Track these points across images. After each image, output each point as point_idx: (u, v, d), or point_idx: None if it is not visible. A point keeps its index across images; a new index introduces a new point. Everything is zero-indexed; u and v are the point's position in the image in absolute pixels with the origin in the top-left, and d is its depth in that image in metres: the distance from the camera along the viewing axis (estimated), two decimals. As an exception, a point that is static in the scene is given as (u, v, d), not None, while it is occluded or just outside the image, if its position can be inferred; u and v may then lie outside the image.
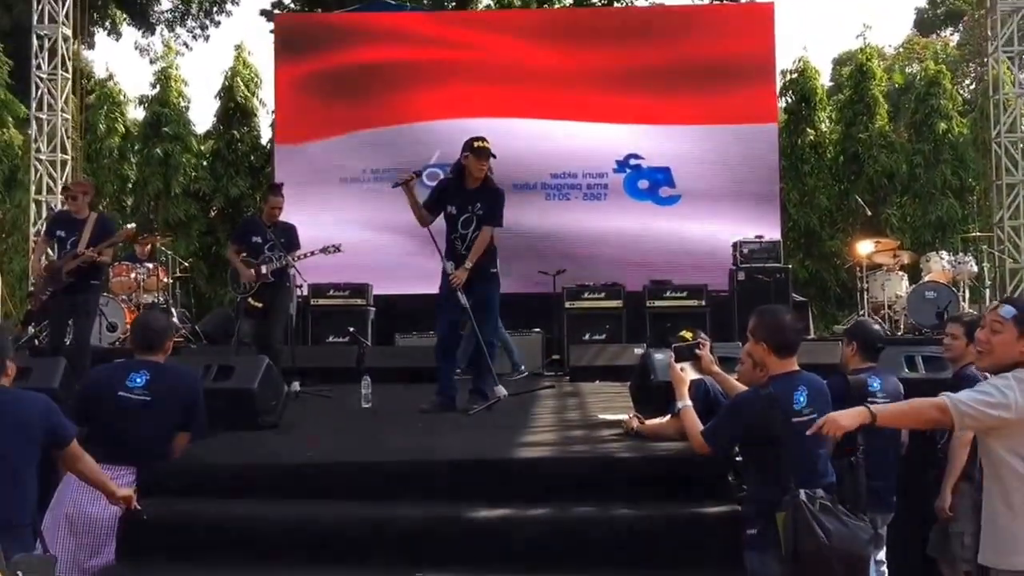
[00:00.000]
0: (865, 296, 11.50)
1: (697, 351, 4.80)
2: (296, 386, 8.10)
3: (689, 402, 4.49)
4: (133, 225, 8.98)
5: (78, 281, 7.96)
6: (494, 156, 7.03)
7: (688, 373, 4.70)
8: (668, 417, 5.33)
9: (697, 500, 4.68)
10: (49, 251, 8.35)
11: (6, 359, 4.06)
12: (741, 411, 4.12)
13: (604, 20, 15.06)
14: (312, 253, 8.64)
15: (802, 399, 4.03)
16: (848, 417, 3.51)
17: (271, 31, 13.81)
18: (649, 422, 5.46)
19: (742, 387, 4.54)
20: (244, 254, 8.56)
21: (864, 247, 11.73)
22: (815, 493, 3.88)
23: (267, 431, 6.05)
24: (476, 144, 6.96)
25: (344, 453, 5.54)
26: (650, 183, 13.22)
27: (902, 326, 11.19)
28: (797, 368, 4.15)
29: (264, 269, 8.39)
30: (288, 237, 8.61)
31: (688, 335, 5.13)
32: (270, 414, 6.16)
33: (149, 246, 11.88)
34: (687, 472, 4.77)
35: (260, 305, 8.51)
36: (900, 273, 11.54)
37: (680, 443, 5.00)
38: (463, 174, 7.05)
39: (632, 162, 13.23)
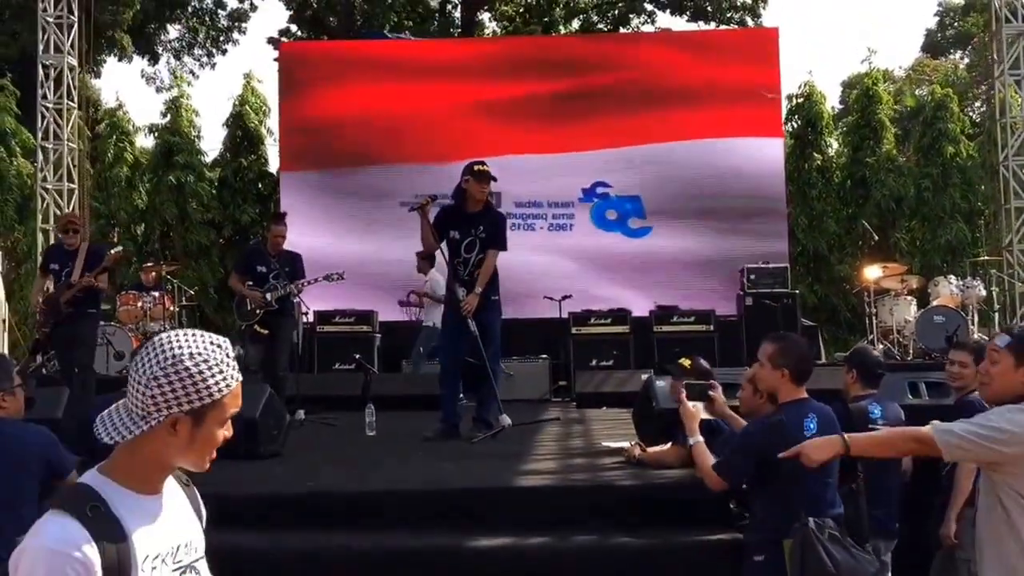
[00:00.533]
0: (874, 321, 11.44)
1: (711, 393, 4.74)
2: (301, 414, 8.09)
3: (700, 438, 4.42)
4: (120, 248, 9.03)
5: (76, 310, 8.06)
6: (494, 179, 7.06)
7: (699, 412, 4.64)
8: (669, 445, 5.31)
9: (698, 528, 4.65)
10: (50, 286, 8.43)
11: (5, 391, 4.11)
12: (753, 441, 4.08)
13: (607, 47, 15.09)
14: (316, 280, 8.65)
15: (812, 427, 4.00)
16: (821, 450, 3.43)
17: (275, 59, 13.86)
18: (651, 450, 5.44)
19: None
20: (250, 283, 8.58)
21: (872, 272, 11.69)
22: (824, 522, 3.85)
23: (269, 460, 6.03)
24: (476, 168, 6.99)
25: (346, 482, 5.52)
26: (618, 213, 13.29)
27: (911, 351, 11.13)
28: (806, 396, 4.14)
29: (268, 296, 8.41)
30: (293, 266, 8.62)
31: (686, 362, 5.11)
32: (272, 443, 6.15)
33: (154, 274, 11.93)
34: (688, 500, 4.73)
35: (266, 332, 8.52)
36: (908, 298, 11.49)
37: (681, 471, 4.99)
38: (464, 198, 7.07)
39: (603, 191, 13.31)
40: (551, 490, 5.19)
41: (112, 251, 8.57)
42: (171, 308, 11.51)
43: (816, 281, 15.40)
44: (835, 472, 3.96)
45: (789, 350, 4.13)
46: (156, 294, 11.46)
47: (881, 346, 11.32)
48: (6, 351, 12.00)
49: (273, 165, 16.37)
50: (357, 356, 9.88)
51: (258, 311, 8.44)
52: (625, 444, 5.80)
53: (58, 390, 6.66)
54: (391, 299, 11.98)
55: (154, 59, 26.53)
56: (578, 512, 4.84)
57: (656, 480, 5.06)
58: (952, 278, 11.70)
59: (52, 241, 13.21)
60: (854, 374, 5.11)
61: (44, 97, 13.78)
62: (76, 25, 13.95)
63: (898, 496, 5.04)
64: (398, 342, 11.56)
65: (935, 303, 11.21)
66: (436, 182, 11.30)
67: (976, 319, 11.30)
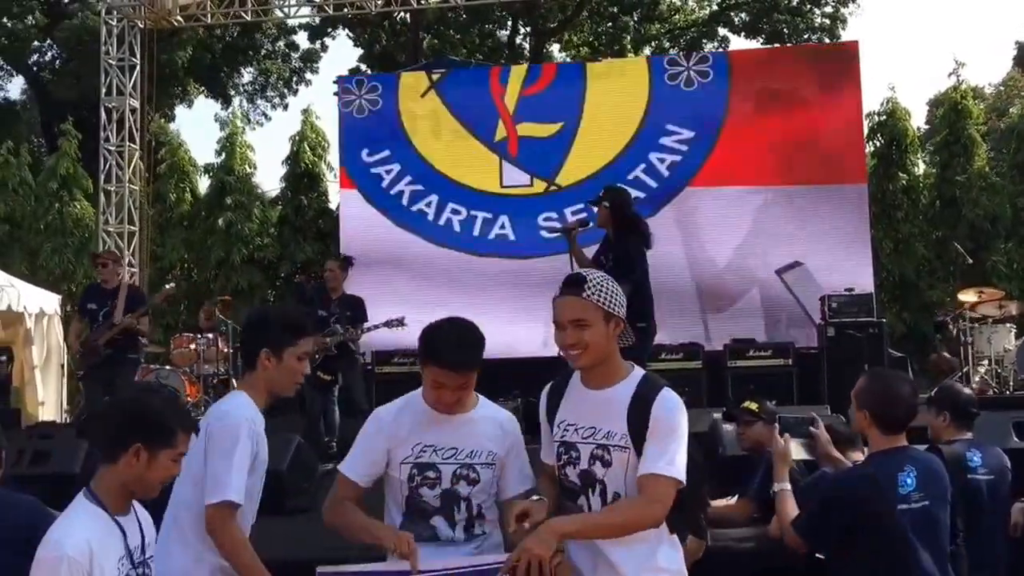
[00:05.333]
0: (970, 350, 10.56)
1: (812, 428, 4.08)
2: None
3: (788, 485, 3.80)
4: (172, 285, 8.82)
5: (115, 354, 7.75)
6: (602, 200, 6.90)
7: (793, 450, 4.00)
8: (736, 498, 4.69)
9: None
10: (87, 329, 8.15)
11: None
12: (840, 496, 3.43)
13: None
14: (376, 327, 8.47)
15: (909, 482, 3.33)
16: None
17: (335, 93, 13.56)
18: (715, 504, 4.80)
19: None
20: None
21: (967, 297, 10.87)
22: None
23: (296, 515, 5.58)
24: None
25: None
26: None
27: (1011, 382, 10.25)
28: (904, 444, 3.45)
29: (328, 341, 8.20)
30: (354, 310, 8.45)
31: (752, 406, 4.51)
32: (300, 496, 5.71)
33: (212, 316, 11.68)
34: (757, 565, 4.12)
35: (329, 378, 8.32)
36: (1008, 325, 10.64)
37: (748, 529, 4.37)
38: None
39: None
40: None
41: (167, 286, 8.39)
42: (225, 350, 11.22)
43: (904, 308, 14.49)
44: (943, 537, 3.34)
45: (874, 388, 3.43)
46: (210, 336, 11.21)
47: (977, 377, 10.46)
48: (64, 396, 11.87)
49: (333, 202, 16.10)
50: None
51: (317, 355, 8.15)
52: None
53: (76, 442, 6.26)
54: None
55: (227, 102, 26.83)
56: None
57: (720, 541, 4.42)
58: (1057, 303, 10.83)
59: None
60: (946, 416, 4.37)
61: (106, 140, 13.78)
62: (138, 67, 13.95)
63: (1005, 559, 4.31)
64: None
65: (1038, 330, 10.38)
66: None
67: (1085, 347, 10.37)
